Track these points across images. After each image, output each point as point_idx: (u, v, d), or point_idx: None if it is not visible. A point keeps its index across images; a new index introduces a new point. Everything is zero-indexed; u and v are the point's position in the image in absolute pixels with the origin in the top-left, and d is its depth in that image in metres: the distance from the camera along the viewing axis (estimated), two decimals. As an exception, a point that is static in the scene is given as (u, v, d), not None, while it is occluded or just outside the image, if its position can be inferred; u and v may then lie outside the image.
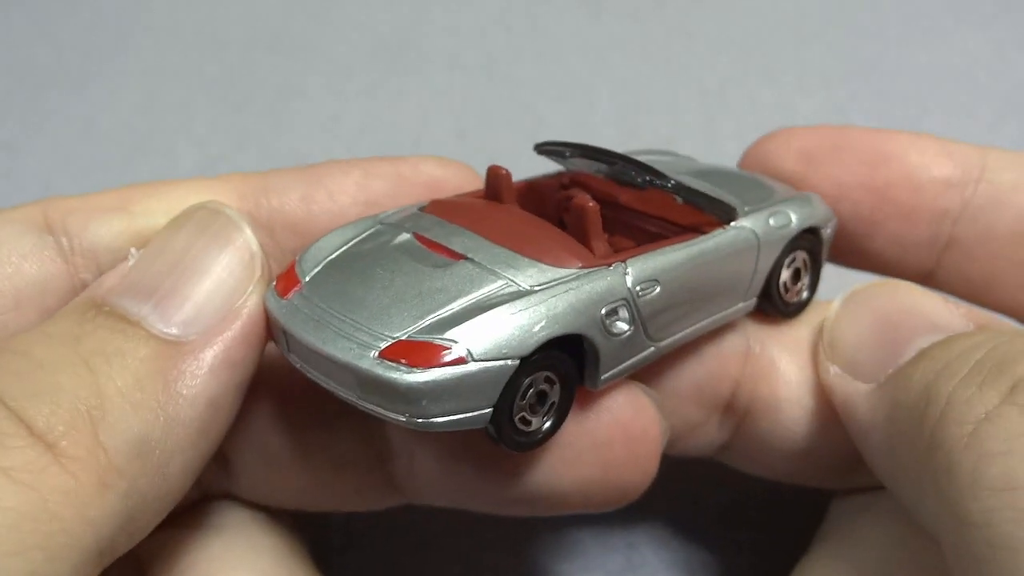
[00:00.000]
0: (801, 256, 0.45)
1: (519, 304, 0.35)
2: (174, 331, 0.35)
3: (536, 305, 0.35)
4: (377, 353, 0.34)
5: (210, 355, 0.35)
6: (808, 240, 0.45)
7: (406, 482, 0.42)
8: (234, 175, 0.42)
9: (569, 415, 0.38)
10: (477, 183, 0.44)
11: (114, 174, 0.72)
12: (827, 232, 0.46)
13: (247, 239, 0.37)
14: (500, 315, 0.34)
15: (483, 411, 0.35)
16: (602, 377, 0.38)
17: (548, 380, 0.36)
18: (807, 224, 0.44)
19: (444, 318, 0.35)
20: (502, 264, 0.37)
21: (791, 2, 0.87)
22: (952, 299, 0.44)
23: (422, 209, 0.41)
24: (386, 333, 0.34)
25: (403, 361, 0.33)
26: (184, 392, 0.34)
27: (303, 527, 0.46)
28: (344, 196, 0.42)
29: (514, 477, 0.39)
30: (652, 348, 0.40)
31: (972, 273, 0.48)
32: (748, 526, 0.53)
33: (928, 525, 0.36)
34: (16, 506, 0.29)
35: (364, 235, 0.40)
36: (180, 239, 0.37)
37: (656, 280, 0.38)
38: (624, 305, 0.37)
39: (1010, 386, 0.33)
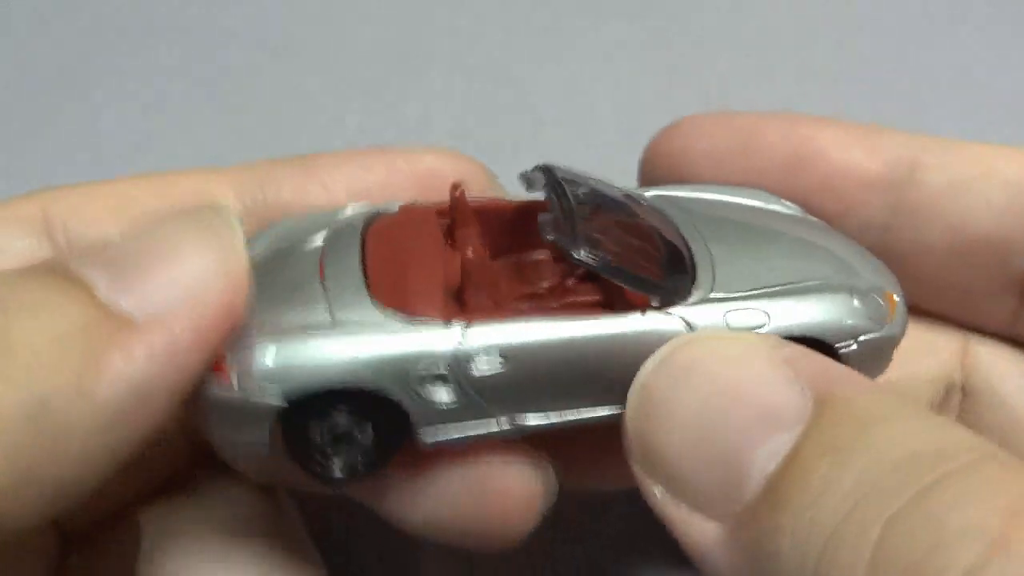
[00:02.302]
0: None
1: (315, 341, 0.31)
2: (122, 304, 0.31)
3: (330, 345, 0.31)
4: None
5: (151, 339, 0.31)
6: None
7: None
8: (232, 167, 0.42)
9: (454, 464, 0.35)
10: (481, 176, 0.42)
11: (114, 174, 0.72)
12: (854, 350, 0.36)
13: (235, 241, 0.34)
14: (304, 344, 0.31)
15: (257, 444, 0.32)
16: (427, 441, 0.33)
17: (358, 420, 0.32)
18: (804, 333, 0.35)
19: (262, 334, 0.32)
20: (340, 291, 0.33)
21: (791, 2, 0.87)
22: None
23: (374, 215, 0.39)
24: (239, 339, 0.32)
25: (214, 372, 0.32)
26: (109, 368, 0.30)
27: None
28: (338, 187, 0.42)
29: (398, 503, 0.37)
30: (509, 426, 0.34)
31: (907, 288, 0.41)
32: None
33: None
34: None
35: (304, 233, 0.38)
36: (167, 226, 0.34)
37: (503, 355, 0.33)
38: (445, 373, 0.32)
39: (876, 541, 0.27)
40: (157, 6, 0.88)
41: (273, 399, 0.31)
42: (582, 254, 0.34)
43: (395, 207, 0.39)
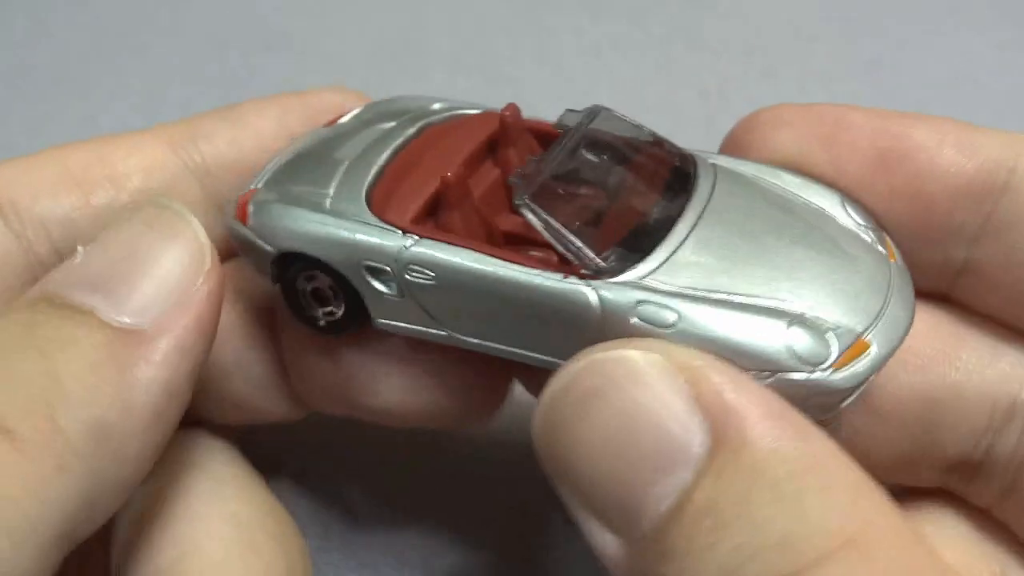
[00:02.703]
0: None
1: (306, 213, 0.38)
2: (126, 320, 0.35)
3: (313, 222, 0.38)
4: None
5: (163, 343, 0.35)
6: None
7: (299, 388, 0.44)
8: (162, 126, 0.44)
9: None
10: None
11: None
12: (769, 383, 0.33)
13: (195, 231, 0.38)
14: (291, 211, 0.39)
15: (267, 275, 0.40)
16: (377, 320, 0.39)
17: (331, 288, 0.39)
18: (708, 347, 0.33)
19: (284, 190, 0.40)
20: (350, 183, 0.40)
21: (791, 2, 0.87)
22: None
23: (448, 117, 0.44)
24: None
25: (238, 213, 0.41)
26: (139, 377, 0.34)
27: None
28: (267, 132, 0.45)
29: (371, 383, 0.42)
30: (445, 332, 0.38)
31: (993, 303, 0.40)
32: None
33: None
34: None
35: (392, 117, 0.44)
36: (127, 234, 0.37)
37: (433, 273, 0.37)
38: (388, 271, 0.37)
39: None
40: (157, 6, 0.88)
41: (265, 246, 0.39)
42: (521, 201, 0.36)
43: (479, 110, 0.44)
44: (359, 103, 0.47)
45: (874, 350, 0.34)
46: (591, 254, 0.35)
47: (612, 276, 0.35)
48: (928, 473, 0.41)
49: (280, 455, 0.54)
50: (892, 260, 0.37)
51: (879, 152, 0.39)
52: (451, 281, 0.36)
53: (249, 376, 0.45)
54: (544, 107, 0.73)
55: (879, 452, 0.40)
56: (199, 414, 0.45)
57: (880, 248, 0.37)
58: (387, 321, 0.39)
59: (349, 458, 0.55)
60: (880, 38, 0.83)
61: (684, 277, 0.35)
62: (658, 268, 0.35)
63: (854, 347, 0.34)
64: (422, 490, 0.54)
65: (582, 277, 0.35)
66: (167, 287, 0.36)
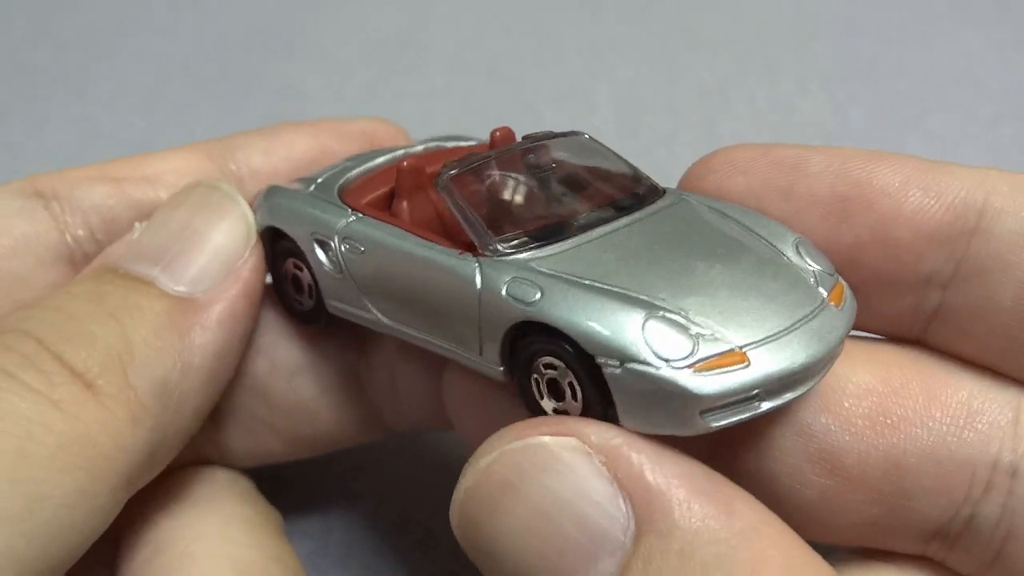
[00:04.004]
0: (559, 370, 0.34)
1: (287, 195, 0.43)
2: (183, 289, 0.39)
3: (287, 200, 0.42)
4: None
5: (217, 310, 0.39)
6: (573, 358, 0.33)
7: (385, 402, 0.45)
8: (201, 142, 0.47)
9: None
10: (402, 138, 0.51)
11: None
12: (618, 374, 0.32)
13: (242, 210, 0.42)
14: (277, 193, 0.43)
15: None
16: (328, 302, 0.42)
17: (296, 266, 0.43)
18: (563, 326, 0.32)
19: (277, 185, 0.45)
20: (332, 177, 0.43)
21: (791, 2, 0.87)
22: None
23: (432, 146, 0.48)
24: None
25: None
26: (197, 341, 0.38)
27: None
28: (300, 147, 0.48)
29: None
30: (376, 316, 0.40)
31: (970, 348, 0.38)
32: None
33: None
34: (65, 431, 0.33)
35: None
36: (183, 211, 0.41)
37: (362, 248, 0.40)
38: (330, 244, 0.41)
39: None
40: (157, 6, 0.88)
41: (260, 221, 0.43)
42: (440, 181, 0.38)
43: (468, 143, 0.49)
44: (392, 132, 0.50)
45: (751, 368, 0.32)
46: (487, 233, 0.36)
47: (502, 256, 0.36)
48: (904, 541, 0.38)
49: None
50: (833, 304, 0.35)
51: (840, 200, 0.37)
52: (373, 254, 0.39)
53: (318, 379, 0.46)
54: (544, 107, 0.73)
55: (847, 518, 0.37)
56: (240, 448, 0.46)
57: (820, 290, 0.35)
58: (335, 303, 0.42)
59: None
60: (880, 38, 0.83)
61: (570, 265, 0.35)
62: (550, 256, 0.35)
63: (725, 355, 0.32)
64: (424, 492, 0.54)
65: (476, 255, 0.36)
66: (219, 260, 0.40)
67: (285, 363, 0.44)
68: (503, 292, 0.34)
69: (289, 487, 0.47)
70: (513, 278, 0.34)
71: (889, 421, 0.37)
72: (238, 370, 0.43)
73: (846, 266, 0.37)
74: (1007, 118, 0.75)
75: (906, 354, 0.38)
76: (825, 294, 0.35)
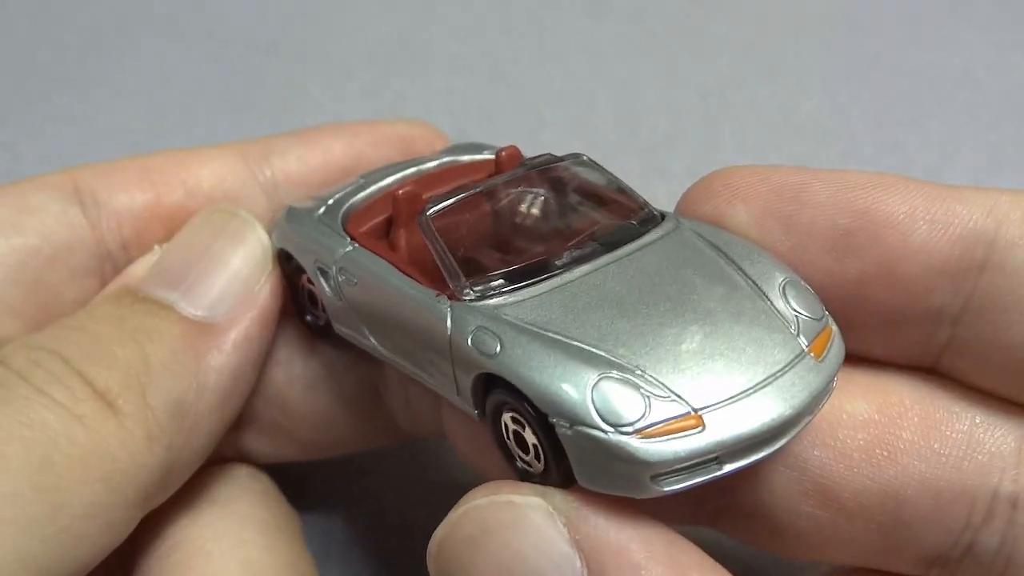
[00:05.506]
0: (524, 426, 0.34)
1: (299, 219, 0.43)
2: (201, 313, 0.40)
3: (296, 225, 0.43)
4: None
5: (233, 333, 0.41)
6: (532, 416, 0.33)
7: (401, 413, 0.46)
8: (239, 143, 0.48)
9: None
10: (440, 142, 0.50)
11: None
12: (568, 435, 0.31)
13: (259, 236, 0.44)
14: (292, 215, 0.44)
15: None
16: (335, 325, 0.43)
17: (310, 281, 0.43)
18: (518, 382, 0.32)
19: (294, 207, 0.45)
20: (340, 199, 0.44)
21: (791, 2, 0.87)
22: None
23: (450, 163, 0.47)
24: None
25: None
26: (212, 364, 0.39)
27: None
28: (336, 152, 0.48)
29: None
30: (374, 344, 0.40)
31: (980, 380, 0.37)
32: None
33: None
34: (87, 444, 0.34)
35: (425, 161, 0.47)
36: (202, 237, 0.43)
37: (355, 279, 0.40)
38: (329, 271, 0.41)
39: None
40: (157, 6, 0.88)
41: (275, 242, 0.44)
42: (420, 220, 0.38)
43: (486, 153, 0.47)
44: (430, 135, 0.50)
45: (706, 433, 0.31)
46: (460, 277, 0.36)
47: (474, 301, 0.35)
48: (905, 565, 0.38)
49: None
50: (812, 355, 0.34)
51: (844, 233, 0.36)
52: (364, 286, 0.40)
53: (339, 390, 0.46)
54: (544, 107, 0.73)
55: (845, 548, 0.37)
56: (265, 444, 0.46)
57: (800, 339, 0.34)
58: (340, 327, 0.42)
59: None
60: (880, 38, 0.83)
61: (537, 313, 0.34)
62: (520, 302, 0.35)
63: (677, 420, 0.31)
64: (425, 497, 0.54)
65: (451, 298, 0.36)
66: (235, 285, 0.42)
67: (302, 375, 0.46)
68: (468, 342, 0.34)
69: (290, 489, 0.47)
70: (477, 327, 0.34)
71: (885, 453, 0.36)
72: (258, 381, 0.44)
73: (851, 301, 0.36)
74: (1007, 118, 0.75)
75: (907, 382, 0.38)
76: (805, 344, 0.34)
